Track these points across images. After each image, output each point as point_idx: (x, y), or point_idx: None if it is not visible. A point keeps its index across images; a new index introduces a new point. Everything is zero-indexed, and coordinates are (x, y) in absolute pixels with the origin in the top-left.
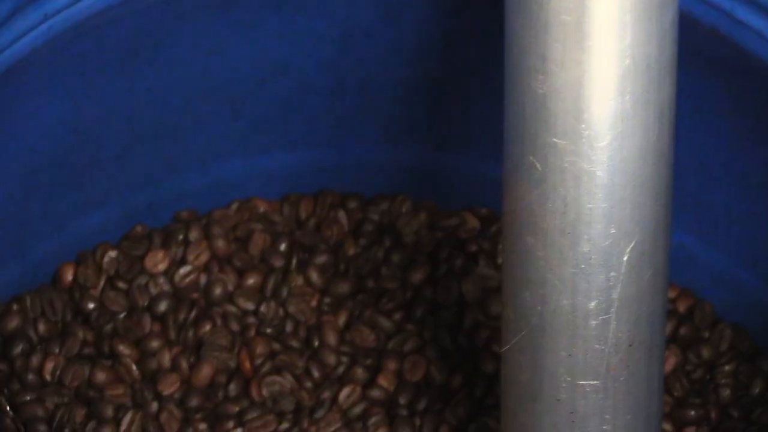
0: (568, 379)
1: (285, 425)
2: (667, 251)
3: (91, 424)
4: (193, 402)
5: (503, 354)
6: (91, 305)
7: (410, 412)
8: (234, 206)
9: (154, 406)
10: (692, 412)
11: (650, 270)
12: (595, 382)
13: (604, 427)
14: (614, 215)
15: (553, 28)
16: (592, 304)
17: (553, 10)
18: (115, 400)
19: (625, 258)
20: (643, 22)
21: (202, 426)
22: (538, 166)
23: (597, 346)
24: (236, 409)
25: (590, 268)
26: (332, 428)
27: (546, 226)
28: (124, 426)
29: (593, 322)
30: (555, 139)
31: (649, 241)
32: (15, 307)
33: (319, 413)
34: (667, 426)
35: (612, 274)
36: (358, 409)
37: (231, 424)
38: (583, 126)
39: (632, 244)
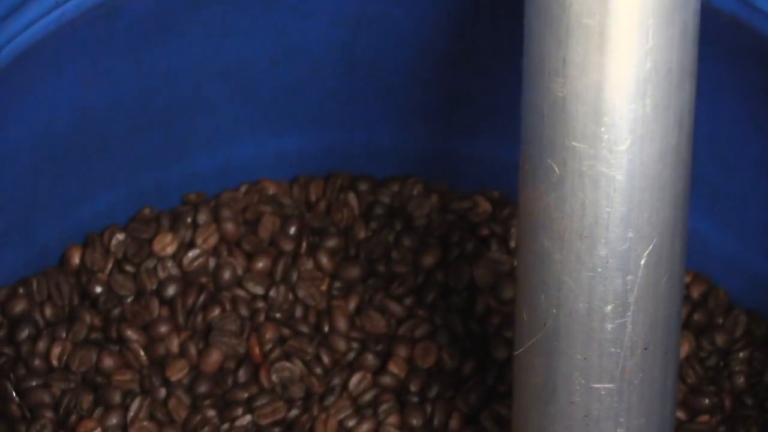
0: (583, 382)
1: (294, 412)
2: (683, 255)
3: (99, 410)
4: (202, 388)
5: (516, 356)
6: (99, 289)
7: (421, 399)
8: (243, 188)
9: (162, 392)
10: (706, 400)
11: (667, 274)
12: (610, 385)
13: (618, 430)
14: (632, 219)
15: (574, 31)
16: (609, 308)
17: (575, 13)
18: (123, 386)
19: (643, 262)
20: (666, 26)
21: (211, 412)
22: (556, 169)
23: (612, 350)
24: (245, 395)
25: (607, 272)
26: (342, 415)
27: (563, 230)
28: (131, 412)
29: (609, 326)
30: (574, 143)
31: (667, 245)
32: (21, 290)
33: (329, 400)
34: (680, 414)
35: (629, 277)
36: (368, 396)
37: (240, 410)
38: (603, 129)
39: (650, 248)
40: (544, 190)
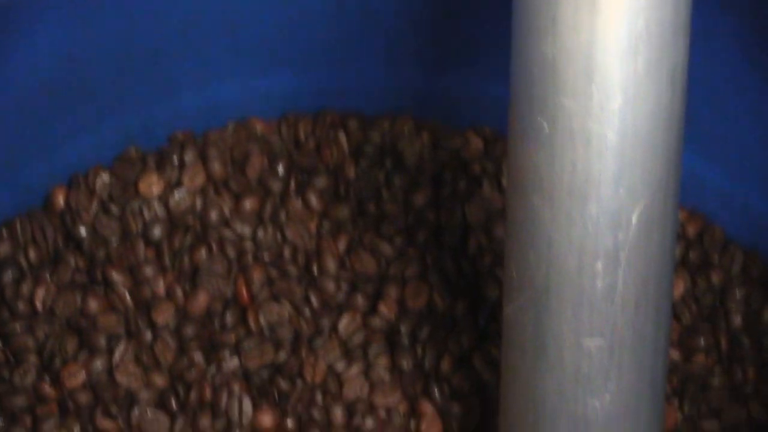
0: (573, 338)
1: (283, 355)
2: (676, 213)
3: (83, 355)
4: (189, 331)
5: (505, 313)
6: (83, 231)
7: (412, 341)
8: (230, 127)
9: (148, 335)
10: (701, 340)
11: (659, 231)
12: (601, 342)
13: (609, 387)
14: (624, 177)
15: None
16: (599, 266)
17: None
18: (108, 329)
19: (634, 220)
20: None
21: (198, 356)
22: (546, 127)
23: (603, 307)
24: (233, 338)
25: (598, 230)
26: (331, 358)
27: (553, 187)
28: (117, 356)
29: (599, 283)
30: (564, 101)
31: (659, 203)
32: (5, 232)
33: (318, 342)
34: (675, 354)
35: (620, 235)
36: (358, 338)
37: (227, 353)
38: (594, 88)
39: (641, 206)
40: (534, 148)
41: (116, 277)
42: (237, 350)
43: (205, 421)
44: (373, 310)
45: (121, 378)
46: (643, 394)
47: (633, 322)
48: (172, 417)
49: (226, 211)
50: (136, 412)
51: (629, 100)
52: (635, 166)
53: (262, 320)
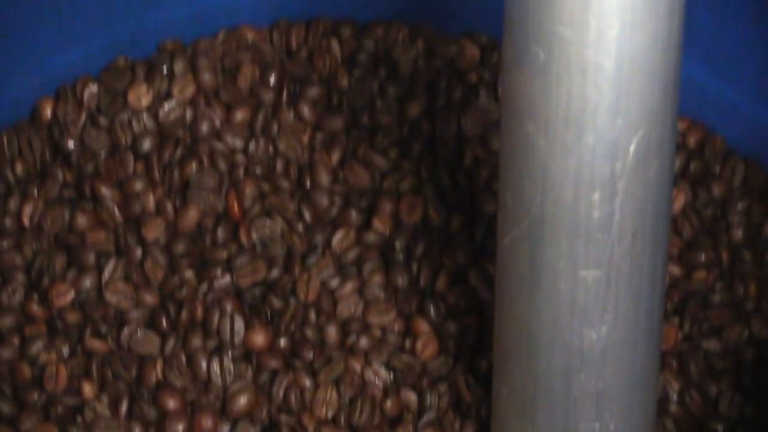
0: (569, 269)
1: (275, 272)
2: (673, 143)
3: (72, 272)
4: (179, 248)
5: (499, 243)
6: (71, 144)
7: (407, 257)
8: (221, 35)
9: (138, 252)
10: (702, 255)
11: (657, 161)
12: (597, 272)
13: (606, 317)
14: (621, 107)
15: None
16: (596, 196)
17: None
18: (97, 246)
19: (632, 149)
20: None
21: (189, 273)
22: (541, 55)
23: (599, 237)
24: (224, 254)
25: (594, 160)
26: (325, 274)
27: (548, 116)
28: (106, 274)
29: (596, 214)
30: (561, 29)
31: (656, 133)
32: None
33: (312, 259)
34: (675, 269)
35: (617, 165)
36: (352, 255)
37: (219, 270)
38: (591, 16)
39: (639, 136)
40: (529, 76)
41: (105, 191)
42: (229, 267)
43: (196, 341)
44: (367, 225)
45: (110, 297)
46: (640, 324)
47: (630, 252)
48: (163, 336)
49: (217, 122)
50: (126, 331)
51: (627, 28)
52: (633, 96)
53: (254, 236)
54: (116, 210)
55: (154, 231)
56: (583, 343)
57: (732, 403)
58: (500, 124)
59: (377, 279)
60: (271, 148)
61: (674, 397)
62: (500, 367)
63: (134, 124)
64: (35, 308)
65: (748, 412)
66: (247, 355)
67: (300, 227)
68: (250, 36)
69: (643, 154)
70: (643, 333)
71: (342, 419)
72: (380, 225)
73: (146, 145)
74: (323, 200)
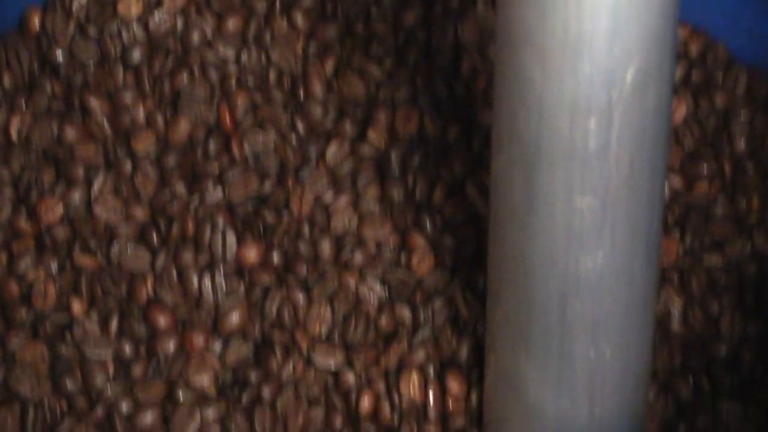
0: (564, 197)
1: (268, 185)
2: (672, 70)
3: (60, 186)
4: (170, 161)
5: (494, 169)
6: (60, 55)
7: (402, 169)
8: None
9: (128, 165)
10: (704, 166)
11: (655, 88)
12: (593, 200)
13: (602, 244)
14: (618, 35)
15: None
16: (592, 124)
17: None
18: (86, 159)
19: (629, 78)
20: None
21: (180, 187)
22: None
23: (596, 165)
24: (216, 168)
25: (591, 88)
26: (319, 188)
27: (544, 44)
28: (95, 188)
29: (593, 142)
30: None
31: (654, 59)
32: None
33: (305, 172)
34: (676, 180)
35: (614, 93)
36: (346, 167)
37: (210, 184)
38: None
39: (636, 65)
40: (523, 4)
41: (94, 103)
42: (220, 181)
43: (187, 256)
44: (361, 136)
45: (99, 211)
46: (637, 250)
47: (627, 180)
48: (153, 252)
49: (208, 32)
50: (115, 247)
51: None
52: (630, 24)
53: (246, 149)
54: (105, 122)
55: (144, 144)
56: (578, 269)
57: (733, 322)
58: (495, 53)
59: (372, 192)
60: (263, 58)
61: (677, 314)
62: (494, 290)
63: (124, 34)
64: (23, 224)
65: (751, 330)
66: (239, 270)
67: (293, 139)
68: None
69: (640, 82)
70: (641, 260)
71: (336, 336)
72: (375, 136)
73: (136, 55)
74: (317, 111)
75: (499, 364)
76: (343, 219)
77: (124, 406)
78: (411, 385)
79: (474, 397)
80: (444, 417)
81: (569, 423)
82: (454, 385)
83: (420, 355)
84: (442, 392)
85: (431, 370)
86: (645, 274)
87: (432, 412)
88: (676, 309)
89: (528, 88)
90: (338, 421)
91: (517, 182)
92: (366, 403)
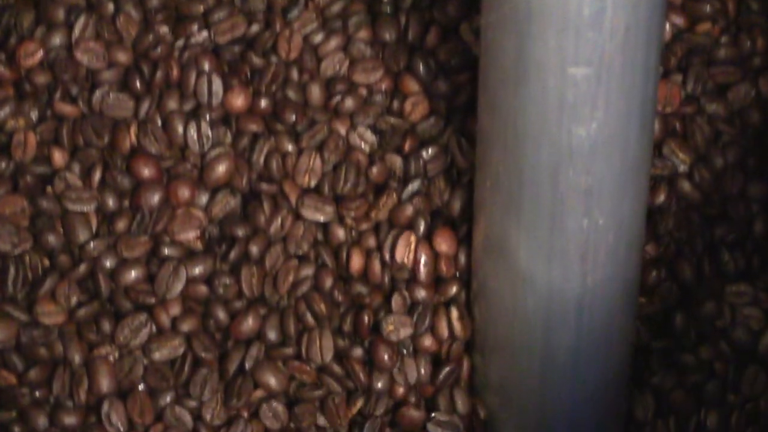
0: (557, 66)
1: (255, 27)
2: None
3: (40, 30)
4: (153, 1)
5: (483, 26)
6: None
7: (395, 10)
8: None
9: (110, 7)
10: (707, 5)
11: None
12: (587, 69)
13: (596, 114)
14: None
15: None
16: None
17: None
18: (67, 0)
19: None
20: None
21: (164, 29)
22: None
23: (590, 34)
24: (201, 8)
25: None
26: (308, 30)
27: None
28: (76, 31)
29: (587, 9)
30: None
31: None
32: None
33: (293, 13)
34: (678, 20)
35: None
36: (336, 8)
37: (195, 26)
38: None
39: None
40: None
41: None
42: (206, 23)
43: (172, 103)
44: None
45: (81, 56)
46: (632, 119)
47: (623, 48)
48: (137, 99)
49: None
50: (97, 94)
51: None
52: None
53: None
54: None
55: None
56: (571, 139)
57: (734, 179)
58: None
59: (363, 34)
60: None
61: (682, 168)
62: (483, 158)
63: None
64: (2, 70)
65: (752, 189)
66: (225, 118)
67: None
68: None
69: None
70: (635, 128)
71: (326, 187)
72: None
73: None
74: None
75: (488, 231)
76: (333, 62)
77: (108, 263)
78: (401, 246)
79: (462, 256)
80: (433, 278)
81: (562, 292)
82: (443, 246)
83: (410, 210)
84: (434, 254)
85: (422, 226)
86: (639, 143)
87: (421, 274)
88: (681, 163)
89: None
90: (328, 281)
91: (508, 50)
92: (355, 262)
